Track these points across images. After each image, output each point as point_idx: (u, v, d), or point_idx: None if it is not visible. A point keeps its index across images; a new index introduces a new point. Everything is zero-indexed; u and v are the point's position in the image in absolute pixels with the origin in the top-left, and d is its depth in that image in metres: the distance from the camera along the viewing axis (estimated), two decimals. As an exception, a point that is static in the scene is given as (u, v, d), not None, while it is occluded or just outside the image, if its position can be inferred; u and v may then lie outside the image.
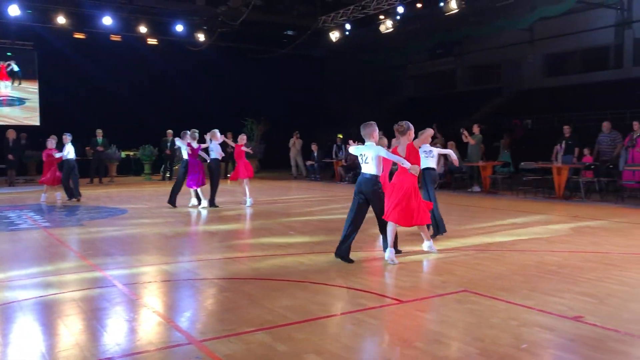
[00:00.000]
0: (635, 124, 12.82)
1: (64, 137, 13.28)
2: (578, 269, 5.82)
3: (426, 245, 6.84)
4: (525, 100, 26.72)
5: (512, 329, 4.02)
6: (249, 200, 11.95)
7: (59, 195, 13.25)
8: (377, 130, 6.40)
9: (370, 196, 6.29)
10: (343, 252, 6.30)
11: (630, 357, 3.49)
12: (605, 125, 13.89)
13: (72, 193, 13.21)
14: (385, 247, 6.34)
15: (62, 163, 13.23)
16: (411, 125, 6.50)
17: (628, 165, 12.48)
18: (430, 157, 7.72)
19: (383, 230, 6.36)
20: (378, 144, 6.42)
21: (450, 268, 5.94)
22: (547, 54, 27.32)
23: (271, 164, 24.34)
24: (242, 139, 12.37)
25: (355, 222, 6.33)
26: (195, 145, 11.44)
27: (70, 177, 13.24)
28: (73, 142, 13.47)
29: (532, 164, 13.50)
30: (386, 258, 6.21)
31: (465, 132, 14.53)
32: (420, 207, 6.36)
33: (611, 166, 13.06)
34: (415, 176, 6.32)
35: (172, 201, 11.65)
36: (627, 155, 12.88)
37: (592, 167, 12.86)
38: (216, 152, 11.69)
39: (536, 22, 24.18)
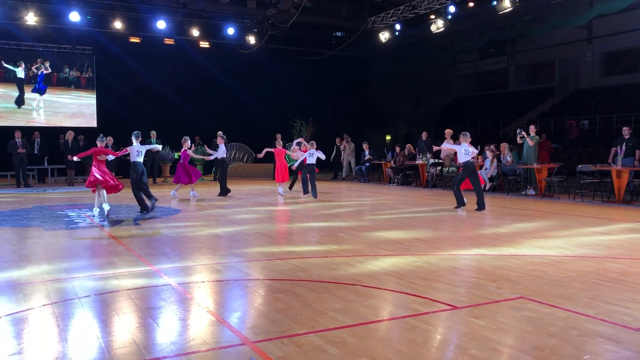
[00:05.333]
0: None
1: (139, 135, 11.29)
2: (642, 277, 5.56)
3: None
4: (582, 100, 25.90)
5: (573, 338, 3.87)
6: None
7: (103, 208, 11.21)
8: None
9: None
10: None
11: (703, 373, 3.30)
12: (669, 126, 13.25)
13: (145, 204, 10.94)
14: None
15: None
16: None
17: (694, 168, 11.87)
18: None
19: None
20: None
21: (505, 274, 5.78)
22: (605, 52, 26.38)
23: (319, 165, 24.38)
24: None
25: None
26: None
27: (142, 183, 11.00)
28: (122, 144, 13.28)
29: (590, 167, 13.03)
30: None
31: (524, 133, 14.19)
32: None
33: (675, 169, 12.45)
34: None
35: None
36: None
37: (655, 170, 12.30)
38: (223, 152, 14.47)
39: (594, 19, 23.34)
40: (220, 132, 18.95)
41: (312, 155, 14.05)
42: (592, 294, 4.97)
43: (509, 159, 14.93)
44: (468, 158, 10.86)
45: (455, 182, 11.26)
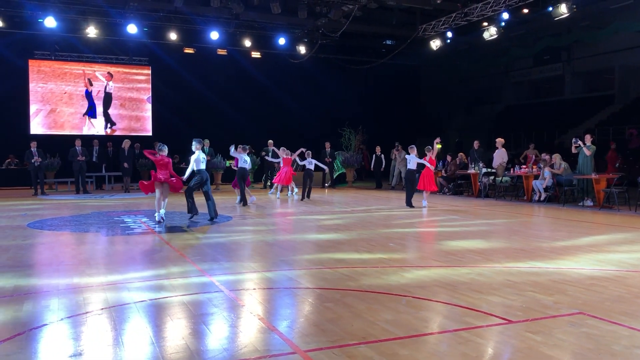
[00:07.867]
0: None
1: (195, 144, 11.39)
2: None
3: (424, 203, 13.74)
4: (643, 107, 24.78)
5: (638, 358, 3.69)
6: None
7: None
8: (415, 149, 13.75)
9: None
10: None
11: None
12: None
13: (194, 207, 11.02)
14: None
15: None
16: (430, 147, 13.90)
17: None
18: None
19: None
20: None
21: (562, 288, 5.59)
22: (669, 58, 25.20)
23: (369, 173, 24.34)
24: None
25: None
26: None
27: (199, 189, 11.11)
28: (175, 152, 13.78)
29: (653, 177, 12.47)
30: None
31: (581, 142, 13.74)
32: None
33: None
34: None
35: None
36: None
37: None
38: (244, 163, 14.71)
39: (657, 23, 22.36)
40: (266, 143, 19.26)
41: (311, 163, 16.39)
42: (658, 312, 4.73)
43: (562, 166, 14.47)
44: (411, 167, 13.79)
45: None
